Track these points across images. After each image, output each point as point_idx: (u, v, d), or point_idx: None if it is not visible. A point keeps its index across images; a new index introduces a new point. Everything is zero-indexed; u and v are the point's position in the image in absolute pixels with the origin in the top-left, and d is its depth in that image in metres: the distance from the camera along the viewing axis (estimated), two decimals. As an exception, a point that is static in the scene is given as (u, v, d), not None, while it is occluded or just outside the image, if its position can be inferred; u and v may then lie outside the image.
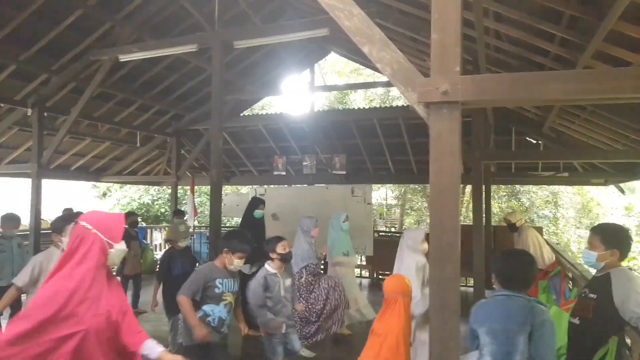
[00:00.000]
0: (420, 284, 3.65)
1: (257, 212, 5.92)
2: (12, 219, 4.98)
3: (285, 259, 3.85)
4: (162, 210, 16.35)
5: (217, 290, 3.19)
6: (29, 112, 6.87)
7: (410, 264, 3.71)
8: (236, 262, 3.25)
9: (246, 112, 11.08)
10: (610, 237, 2.54)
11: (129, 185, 15.63)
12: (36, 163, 6.88)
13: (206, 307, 3.19)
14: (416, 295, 3.61)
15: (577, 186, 14.13)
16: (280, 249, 3.79)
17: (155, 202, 16.58)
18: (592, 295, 2.56)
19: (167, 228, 10.67)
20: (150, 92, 8.31)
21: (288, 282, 3.95)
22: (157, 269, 5.34)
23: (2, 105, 6.88)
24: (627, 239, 2.59)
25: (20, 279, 3.30)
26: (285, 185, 10.64)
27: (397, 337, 2.79)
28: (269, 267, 3.81)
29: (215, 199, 5.29)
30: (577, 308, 2.66)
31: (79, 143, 9.08)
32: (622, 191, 9.56)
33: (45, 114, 7.09)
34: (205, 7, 6.46)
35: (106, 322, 1.82)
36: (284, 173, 10.18)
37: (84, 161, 9.77)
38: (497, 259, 2.49)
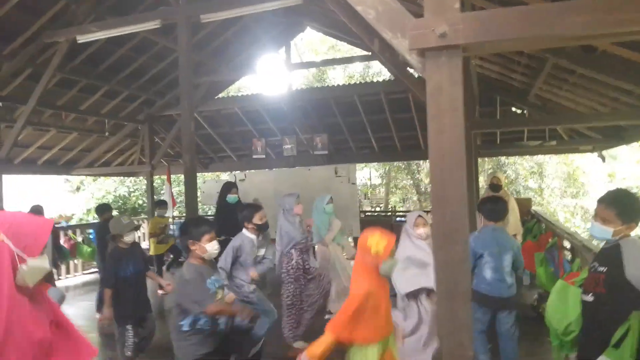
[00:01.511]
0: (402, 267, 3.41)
1: (231, 197, 5.61)
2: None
3: (262, 228, 3.91)
4: (140, 202, 15.83)
5: (209, 292, 2.81)
6: (-18, 102, 6.36)
7: (401, 246, 3.48)
8: (209, 247, 2.84)
9: (222, 95, 10.61)
10: (629, 211, 2.29)
11: (103, 178, 15.05)
12: (-3, 158, 6.40)
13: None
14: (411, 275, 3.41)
15: (562, 155, 14.09)
16: (257, 219, 3.83)
17: (132, 194, 16.04)
18: (601, 269, 2.33)
19: (146, 220, 10.26)
20: (116, 76, 7.80)
21: (261, 251, 3.98)
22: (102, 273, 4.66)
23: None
24: None
25: None
26: (267, 170, 10.28)
27: (352, 297, 2.54)
28: (246, 233, 3.87)
29: (190, 186, 4.96)
30: (588, 284, 2.42)
31: (44, 135, 8.54)
32: (603, 158, 9.49)
33: (0, 104, 6.56)
34: (168, -20, 5.99)
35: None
36: (263, 156, 9.83)
37: (51, 154, 9.23)
38: (483, 201, 3.91)
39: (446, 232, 1.36)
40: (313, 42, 19.04)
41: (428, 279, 3.33)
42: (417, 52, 1.46)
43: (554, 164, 15.49)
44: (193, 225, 2.89)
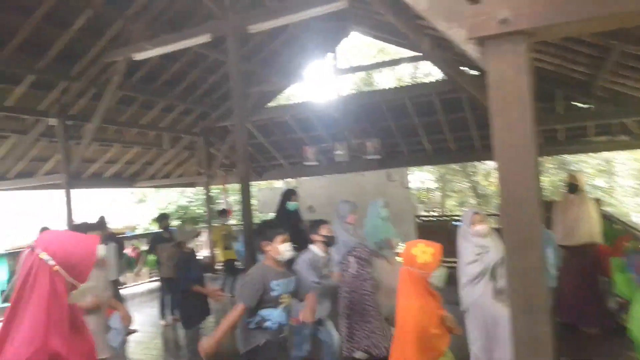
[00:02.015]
0: (470, 278, 3.21)
1: (291, 204, 5.58)
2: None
3: (329, 242, 3.84)
4: (199, 211, 16.35)
5: (273, 294, 2.83)
6: (53, 121, 6.79)
7: (461, 252, 3.29)
8: (282, 248, 2.89)
9: (272, 104, 10.76)
10: None
11: (164, 189, 15.70)
12: (65, 173, 6.80)
13: (263, 312, 2.83)
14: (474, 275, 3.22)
15: (635, 152, 13.03)
16: (324, 231, 3.81)
17: (193, 204, 16.61)
18: None
19: (206, 229, 10.54)
20: (172, 91, 8.11)
21: (328, 269, 3.93)
22: (176, 275, 4.86)
23: (26, 117, 6.82)
24: None
25: None
26: (319, 176, 10.27)
27: (404, 319, 2.39)
28: (315, 249, 3.80)
29: (245, 195, 5.00)
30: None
31: (109, 150, 9.01)
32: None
33: (69, 123, 6.99)
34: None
35: None
36: (315, 163, 9.81)
37: (117, 168, 9.73)
38: None
39: (519, 237, 1.22)
40: (359, 47, 18.95)
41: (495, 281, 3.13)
42: (475, 42, 1.33)
43: (624, 161, 14.36)
44: (267, 227, 2.95)
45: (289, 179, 10.21)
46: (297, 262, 3.71)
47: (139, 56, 5.85)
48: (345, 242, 4.52)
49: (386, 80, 18.69)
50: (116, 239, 6.43)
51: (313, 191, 9.34)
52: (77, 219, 7.38)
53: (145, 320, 6.77)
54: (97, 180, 9.61)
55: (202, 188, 11.88)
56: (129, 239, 8.80)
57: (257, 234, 3.07)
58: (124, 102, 7.75)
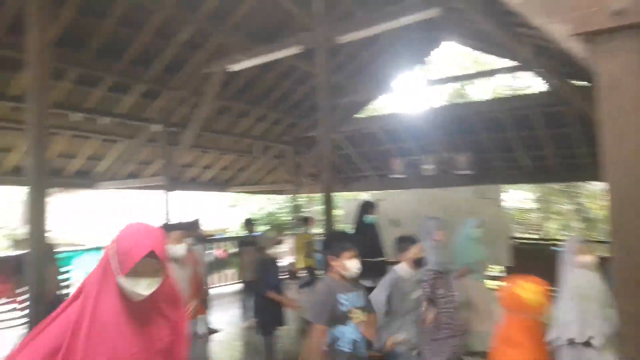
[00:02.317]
0: (580, 311, 2.81)
1: (368, 218, 5.42)
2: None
3: (420, 263, 3.41)
4: (286, 218, 16.78)
5: (342, 308, 2.70)
6: (156, 127, 7.37)
7: (567, 281, 2.92)
8: (349, 264, 2.74)
9: (361, 115, 10.72)
10: None
11: (255, 195, 16.36)
12: (166, 176, 7.33)
13: (335, 331, 2.69)
14: (568, 320, 2.82)
15: None
16: (415, 251, 3.35)
17: (280, 211, 17.09)
18: None
19: (291, 236, 10.76)
20: (265, 101, 8.42)
21: (417, 293, 3.47)
22: (254, 280, 4.90)
23: (135, 123, 7.47)
24: None
25: None
26: (408, 190, 9.98)
27: None
28: (401, 270, 3.36)
29: (328, 205, 4.96)
30: None
31: (205, 156, 9.58)
32: None
33: (171, 129, 7.53)
34: (309, 8, 6.26)
35: None
36: (402, 176, 9.54)
37: (212, 173, 10.31)
38: None
39: (633, 274, 0.99)
40: (452, 57, 18.27)
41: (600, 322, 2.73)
42: (582, 39, 1.13)
43: None
44: (335, 241, 2.86)
45: (375, 191, 10.03)
46: (381, 281, 3.52)
47: (234, 67, 6.13)
48: (431, 260, 4.27)
49: (480, 92, 17.80)
50: (205, 240, 6.76)
51: (399, 205, 9.06)
52: (174, 219, 7.92)
53: (229, 320, 7.01)
54: (195, 184, 10.25)
55: (290, 196, 12.19)
56: (218, 241, 9.23)
57: (323, 249, 2.96)
58: (220, 111, 8.20)
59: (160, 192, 7.64)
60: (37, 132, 3.45)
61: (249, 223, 7.33)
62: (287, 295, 4.76)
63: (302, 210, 15.25)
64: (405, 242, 3.44)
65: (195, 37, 6.23)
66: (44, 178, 3.29)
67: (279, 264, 4.61)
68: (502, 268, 8.66)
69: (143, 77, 6.51)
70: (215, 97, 6.94)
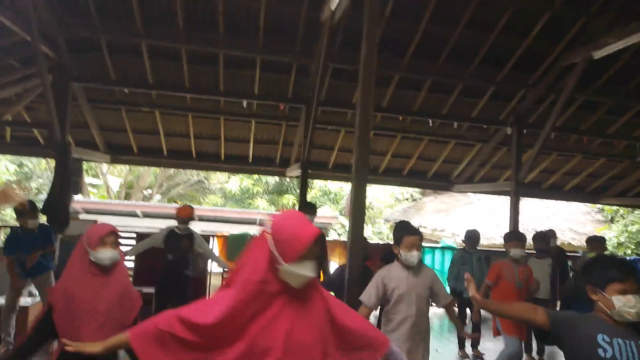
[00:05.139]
0: None
1: None
2: (471, 237, 5.55)
3: None
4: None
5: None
6: (509, 130, 7.08)
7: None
8: (617, 302, 1.80)
9: None
10: None
11: (641, 210, 13.16)
12: (514, 181, 6.96)
13: None
14: None
15: None
16: None
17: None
18: None
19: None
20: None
21: None
22: None
23: (487, 126, 7.43)
24: None
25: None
26: None
27: None
28: None
29: None
30: None
31: (569, 160, 8.48)
32: None
33: (525, 131, 7.07)
34: None
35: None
36: None
37: (577, 180, 9.03)
38: None
39: None
40: None
41: None
42: None
43: None
44: (599, 265, 1.94)
45: None
46: None
47: (599, 54, 5.15)
48: None
49: None
50: (554, 255, 5.93)
51: None
52: (525, 227, 7.43)
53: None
54: (556, 191, 9.22)
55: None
56: (576, 258, 7.96)
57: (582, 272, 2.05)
58: (585, 107, 7.07)
59: (510, 198, 7.28)
60: (362, 134, 3.49)
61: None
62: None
63: None
64: None
65: (552, 26, 5.56)
66: (364, 175, 3.39)
67: None
68: None
69: (493, 79, 6.38)
70: (576, 91, 6.04)
